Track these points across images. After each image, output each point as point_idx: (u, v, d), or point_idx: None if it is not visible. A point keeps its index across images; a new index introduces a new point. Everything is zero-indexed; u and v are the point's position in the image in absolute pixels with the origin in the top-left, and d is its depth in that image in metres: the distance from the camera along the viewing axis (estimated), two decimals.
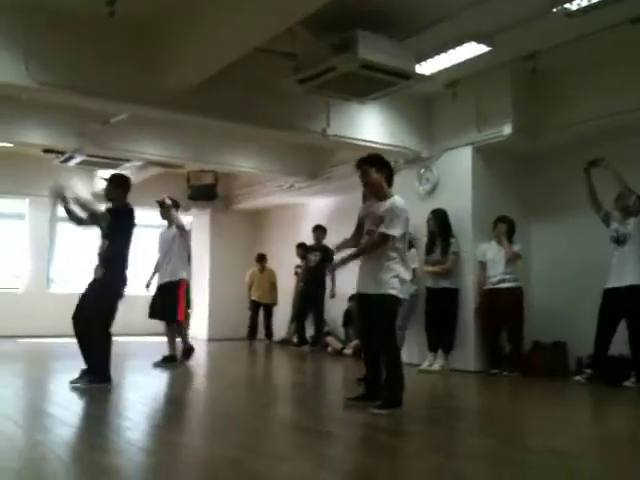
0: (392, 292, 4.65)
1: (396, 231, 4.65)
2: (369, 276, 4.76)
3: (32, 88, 5.69)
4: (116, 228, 5.80)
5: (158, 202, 7.56)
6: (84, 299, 5.74)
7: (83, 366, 5.69)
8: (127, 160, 9.46)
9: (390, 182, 4.87)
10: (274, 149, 9.59)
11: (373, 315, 4.71)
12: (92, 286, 5.76)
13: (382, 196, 4.80)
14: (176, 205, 7.68)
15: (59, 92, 5.90)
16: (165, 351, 7.45)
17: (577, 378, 6.54)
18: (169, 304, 7.35)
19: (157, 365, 7.27)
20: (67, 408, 4.84)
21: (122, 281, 5.79)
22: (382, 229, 4.67)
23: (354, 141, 7.37)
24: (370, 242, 4.76)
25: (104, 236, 5.86)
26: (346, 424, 4.46)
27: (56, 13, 5.66)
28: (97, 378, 5.58)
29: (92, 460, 3.31)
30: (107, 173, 10.90)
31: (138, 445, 3.82)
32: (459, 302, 7.51)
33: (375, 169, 4.79)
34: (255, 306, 11.52)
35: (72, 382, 5.60)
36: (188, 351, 7.62)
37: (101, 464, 3.25)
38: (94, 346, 5.68)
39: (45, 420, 4.47)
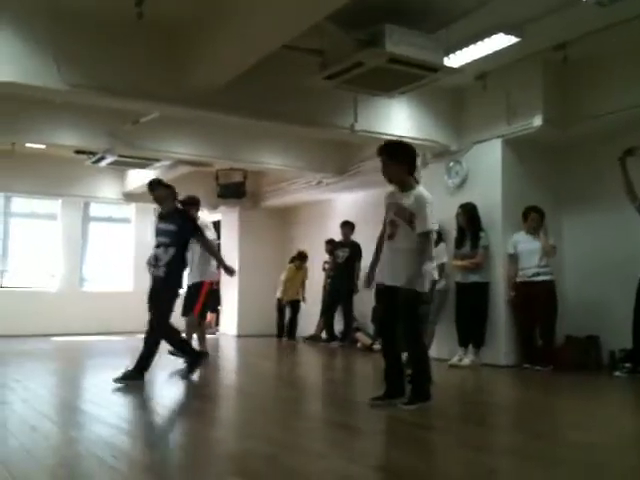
0: (411, 287, 4.58)
1: (433, 224, 4.60)
2: (389, 268, 4.73)
3: (64, 90, 5.75)
4: (177, 231, 6.04)
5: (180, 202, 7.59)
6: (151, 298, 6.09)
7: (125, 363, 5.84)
8: (157, 160, 9.54)
9: (412, 170, 4.79)
10: (302, 146, 9.59)
11: (394, 309, 4.67)
12: (154, 285, 6.08)
13: (404, 186, 4.75)
14: (196, 204, 7.67)
15: (90, 93, 5.96)
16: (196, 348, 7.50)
17: (616, 373, 6.43)
18: (192, 302, 7.47)
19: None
20: (101, 405, 4.90)
21: (180, 280, 6.11)
22: (421, 229, 4.57)
23: (382, 136, 7.31)
24: (421, 249, 4.60)
25: (167, 238, 6.05)
26: (377, 419, 4.44)
27: (86, 16, 5.72)
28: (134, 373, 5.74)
29: (126, 456, 3.34)
30: (140, 173, 11.10)
31: (172, 441, 3.85)
32: (489, 296, 7.43)
33: (395, 160, 4.72)
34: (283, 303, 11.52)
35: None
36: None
37: (135, 460, 3.29)
38: (145, 339, 5.95)
39: (80, 417, 4.53)
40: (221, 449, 3.61)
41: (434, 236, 4.71)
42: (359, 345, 9.69)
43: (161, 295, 5.98)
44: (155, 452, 3.54)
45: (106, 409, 4.72)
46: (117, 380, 5.61)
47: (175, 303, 6.08)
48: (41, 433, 3.86)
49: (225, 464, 3.27)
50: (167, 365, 6.70)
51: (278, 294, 11.51)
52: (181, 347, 6.39)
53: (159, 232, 6.14)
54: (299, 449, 3.57)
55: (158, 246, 6.06)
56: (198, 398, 5.64)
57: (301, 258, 11.44)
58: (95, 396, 5.49)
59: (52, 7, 5.58)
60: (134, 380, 5.65)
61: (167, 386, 6.08)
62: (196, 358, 6.30)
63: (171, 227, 6.05)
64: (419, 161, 8.16)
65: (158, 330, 5.95)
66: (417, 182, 4.84)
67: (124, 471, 3.05)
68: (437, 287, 7.33)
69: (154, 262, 6.03)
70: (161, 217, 6.26)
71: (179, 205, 6.45)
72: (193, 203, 7.55)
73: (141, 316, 12.55)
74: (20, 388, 5.58)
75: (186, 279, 7.59)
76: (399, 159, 4.73)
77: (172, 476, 3.08)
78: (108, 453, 3.32)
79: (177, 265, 6.02)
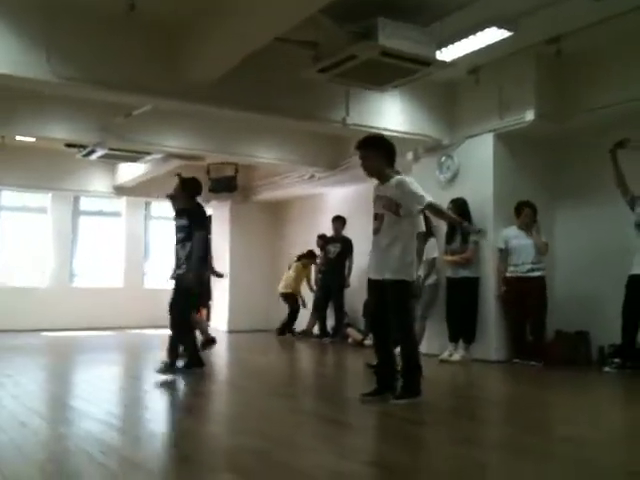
0: (399, 277, 4.60)
1: (428, 195, 4.62)
2: (376, 262, 4.75)
3: (54, 83, 5.71)
4: (193, 227, 6.08)
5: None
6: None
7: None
8: (148, 153, 9.48)
9: (391, 162, 4.80)
10: (294, 139, 9.54)
11: (385, 303, 4.68)
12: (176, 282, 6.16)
13: (383, 178, 4.77)
14: None
15: (81, 86, 5.92)
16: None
17: (606, 369, 6.44)
18: None
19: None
20: (91, 401, 4.87)
21: (202, 275, 6.27)
22: (419, 204, 4.60)
23: (374, 130, 7.29)
24: (439, 211, 4.94)
25: (182, 234, 6.12)
26: (368, 414, 4.44)
27: (78, 8, 5.67)
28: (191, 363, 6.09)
29: (116, 452, 3.32)
30: (131, 167, 11.03)
31: (162, 437, 3.83)
32: (480, 291, 7.44)
33: (372, 151, 4.76)
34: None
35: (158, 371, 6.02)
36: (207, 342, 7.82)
37: (125, 456, 3.27)
38: (180, 336, 6.09)
39: (69, 413, 4.51)
40: (212, 444, 3.59)
41: (404, 228, 4.69)
42: (350, 340, 9.69)
43: (183, 292, 6.02)
44: (145, 448, 3.52)
45: (96, 405, 4.69)
46: (159, 371, 5.87)
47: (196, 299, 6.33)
48: (30, 429, 3.83)
49: (216, 459, 3.25)
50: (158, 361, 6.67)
51: (284, 289, 11.22)
52: (189, 346, 6.30)
53: (176, 229, 6.19)
54: (290, 444, 3.56)
55: (177, 243, 6.09)
56: (189, 394, 5.63)
57: (310, 257, 11.16)
58: (85, 392, 5.47)
59: (47, 3, 5.53)
60: (174, 374, 5.88)
61: (158, 382, 6.04)
62: (193, 363, 6.18)
63: (184, 222, 6.08)
64: (411, 155, 8.23)
65: (180, 327, 6.06)
66: (397, 173, 4.83)
67: (114, 467, 3.03)
68: (427, 282, 7.38)
69: (176, 262, 6.08)
70: (176, 213, 6.30)
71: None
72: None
73: (131, 312, 12.57)
74: (10, 383, 5.54)
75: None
76: (377, 150, 4.78)
77: (162, 472, 3.06)
78: (97, 449, 3.30)
79: (196, 261, 6.02)
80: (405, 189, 4.62)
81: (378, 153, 4.76)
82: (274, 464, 3.09)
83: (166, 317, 6.16)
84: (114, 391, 5.45)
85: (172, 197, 6.35)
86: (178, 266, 6.04)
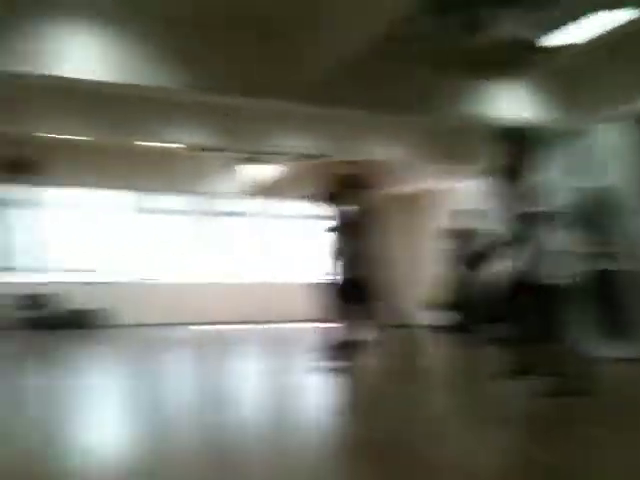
0: (549, 280, 4.53)
1: (543, 206, 4.48)
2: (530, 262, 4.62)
3: (174, 89, 6.08)
4: (367, 223, 6.12)
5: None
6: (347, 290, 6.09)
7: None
8: (276, 154, 9.77)
9: (528, 159, 4.63)
10: (414, 134, 9.51)
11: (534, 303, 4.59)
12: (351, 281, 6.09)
13: (517, 175, 4.59)
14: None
15: (202, 92, 6.25)
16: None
17: None
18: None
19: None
20: (243, 392, 5.07)
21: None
22: (532, 209, 4.47)
23: (495, 120, 7.11)
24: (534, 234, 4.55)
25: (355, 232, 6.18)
26: (520, 412, 4.32)
27: (196, 21, 5.93)
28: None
29: (268, 442, 3.47)
30: (265, 168, 11.42)
31: (311, 427, 3.91)
32: (627, 284, 6.95)
33: (513, 146, 4.60)
34: None
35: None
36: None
37: (276, 446, 3.39)
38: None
39: (222, 404, 4.61)
40: (360, 437, 3.59)
41: (551, 220, 4.55)
42: (490, 337, 9.41)
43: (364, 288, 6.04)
44: (296, 438, 3.57)
45: (248, 396, 4.86)
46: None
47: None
48: (184, 417, 4.07)
49: (365, 452, 3.27)
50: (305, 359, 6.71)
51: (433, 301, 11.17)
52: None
53: (343, 226, 6.24)
54: (438, 439, 3.53)
55: (347, 242, 6.18)
56: (337, 385, 5.54)
57: None
58: (237, 383, 5.64)
59: (166, 14, 5.85)
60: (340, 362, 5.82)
61: (303, 375, 5.99)
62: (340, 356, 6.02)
63: (355, 218, 6.12)
64: (536, 144, 7.93)
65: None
66: (531, 170, 4.69)
67: (266, 454, 3.19)
68: (566, 276, 7.01)
69: (350, 261, 6.11)
70: (345, 210, 6.34)
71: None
72: None
73: (275, 306, 12.59)
74: (162, 375, 5.87)
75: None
76: (516, 144, 4.62)
77: (312, 461, 3.09)
78: (250, 439, 3.47)
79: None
80: (535, 191, 4.50)
81: (517, 148, 4.60)
82: (417, 458, 3.10)
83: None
84: (259, 381, 5.57)
85: (337, 195, 6.34)
86: (354, 265, 6.04)
